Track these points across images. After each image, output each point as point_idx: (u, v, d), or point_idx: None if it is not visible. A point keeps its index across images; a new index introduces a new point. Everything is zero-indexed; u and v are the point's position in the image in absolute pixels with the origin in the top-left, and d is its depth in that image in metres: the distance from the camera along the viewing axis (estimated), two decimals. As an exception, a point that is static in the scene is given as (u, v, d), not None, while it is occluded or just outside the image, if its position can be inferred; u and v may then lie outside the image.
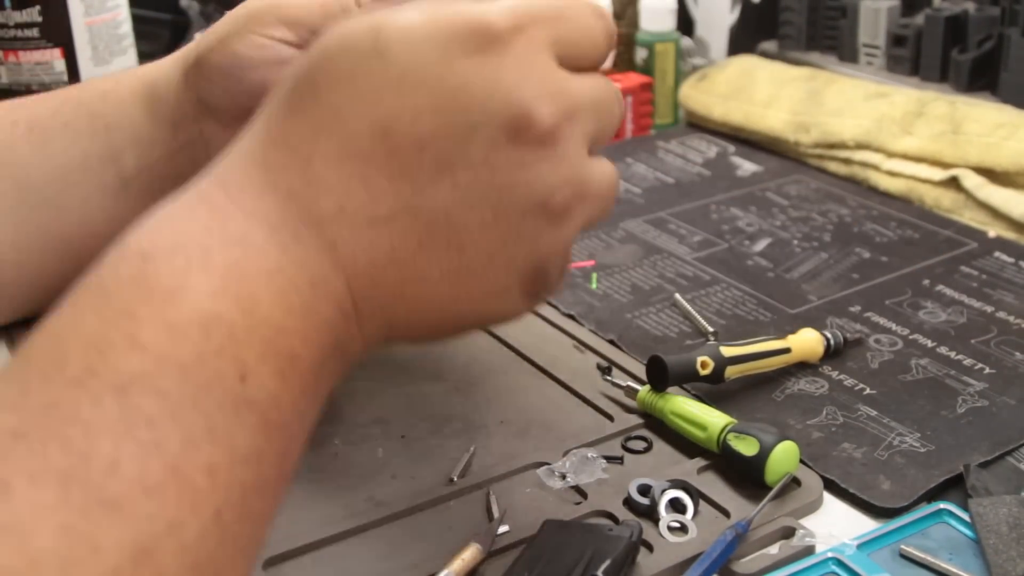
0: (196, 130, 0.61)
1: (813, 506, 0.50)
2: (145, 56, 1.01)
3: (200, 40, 0.61)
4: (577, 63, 0.40)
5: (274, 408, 0.34)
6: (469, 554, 0.45)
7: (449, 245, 0.39)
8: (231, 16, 0.60)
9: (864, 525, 0.49)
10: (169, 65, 0.62)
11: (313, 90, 0.38)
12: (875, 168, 0.87)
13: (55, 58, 0.82)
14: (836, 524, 0.49)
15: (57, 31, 0.82)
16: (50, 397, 0.31)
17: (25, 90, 0.83)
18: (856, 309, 0.68)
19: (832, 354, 0.62)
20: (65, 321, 0.33)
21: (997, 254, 0.75)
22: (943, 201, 0.82)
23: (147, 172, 0.61)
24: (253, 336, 0.34)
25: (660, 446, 0.54)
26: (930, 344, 0.63)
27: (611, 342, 0.64)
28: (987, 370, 0.61)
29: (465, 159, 0.38)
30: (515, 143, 0.38)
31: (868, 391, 0.59)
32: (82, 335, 0.32)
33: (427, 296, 0.40)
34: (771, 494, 0.49)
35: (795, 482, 0.51)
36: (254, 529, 0.34)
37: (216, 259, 0.34)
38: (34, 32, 0.81)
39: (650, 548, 0.47)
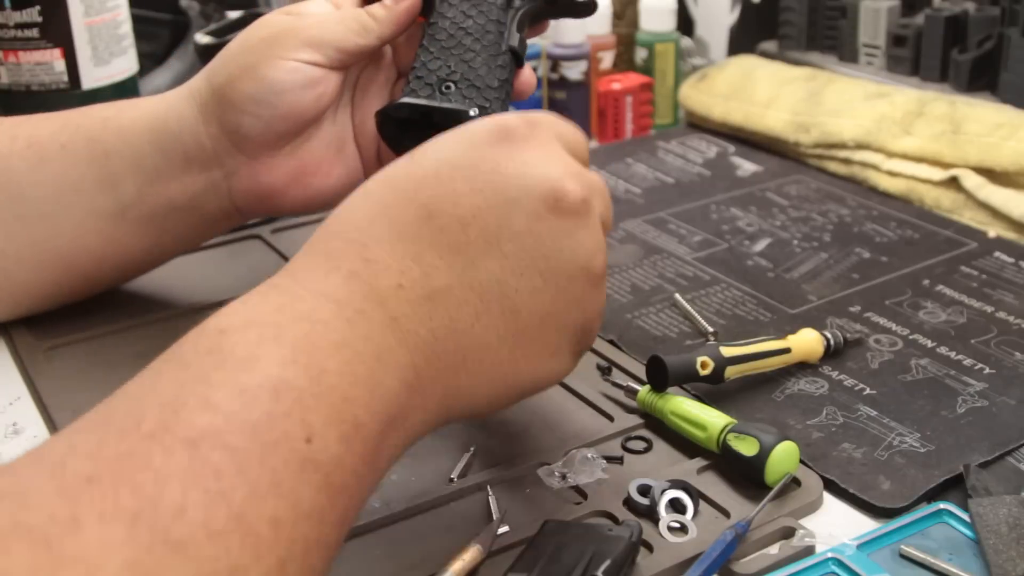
0: (217, 166, 0.61)
1: (813, 506, 0.50)
2: (145, 56, 1.01)
3: (209, 75, 0.60)
4: (577, 156, 0.47)
5: (337, 470, 0.36)
6: (469, 555, 0.45)
7: (504, 311, 0.43)
8: (247, 46, 0.59)
9: (864, 525, 0.49)
10: (178, 101, 0.61)
11: (363, 192, 0.44)
12: (875, 168, 0.87)
13: (55, 58, 0.82)
14: (836, 524, 0.49)
15: (57, 31, 0.82)
16: (124, 448, 0.33)
17: (25, 90, 0.83)
18: (856, 309, 0.68)
19: (832, 354, 0.62)
20: (144, 386, 0.36)
21: (997, 254, 0.75)
22: (943, 201, 0.82)
23: (150, 201, 0.61)
24: (320, 402, 0.36)
25: (660, 446, 0.54)
26: (930, 344, 0.63)
27: (611, 342, 0.64)
28: (987, 370, 0.61)
29: (509, 231, 0.43)
30: (554, 214, 0.44)
31: (868, 391, 0.59)
32: (159, 397, 0.35)
33: (487, 361, 0.44)
34: (771, 494, 0.49)
35: (795, 482, 0.51)
36: None
37: (287, 333, 0.37)
38: (34, 32, 0.81)
39: (650, 548, 0.47)
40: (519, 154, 0.44)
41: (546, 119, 0.47)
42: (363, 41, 0.59)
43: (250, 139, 0.60)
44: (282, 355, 0.37)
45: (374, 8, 0.60)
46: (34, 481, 0.31)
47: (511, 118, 0.45)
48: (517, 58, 0.60)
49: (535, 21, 0.63)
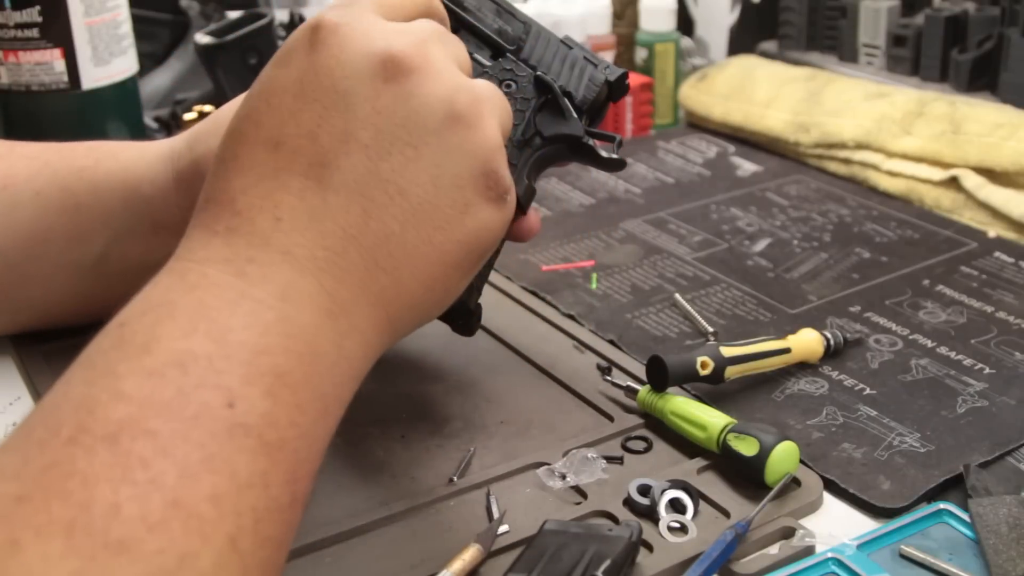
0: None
1: (813, 506, 0.50)
2: (145, 56, 1.01)
3: (192, 142, 0.57)
4: (402, 15, 0.45)
5: (270, 428, 0.35)
6: (470, 554, 0.45)
7: (390, 196, 0.41)
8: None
9: (864, 525, 0.49)
10: (156, 163, 0.59)
11: (215, 159, 0.42)
12: (875, 168, 0.87)
13: (55, 58, 0.82)
14: (836, 524, 0.49)
15: (57, 31, 0.82)
16: (48, 459, 0.32)
17: (25, 90, 0.83)
18: (856, 309, 0.68)
19: (832, 354, 0.62)
20: (58, 394, 0.35)
21: (997, 254, 0.75)
22: (943, 201, 0.82)
23: (120, 259, 0.59)
24: (232, 363, 0.35)
25: (660, 446, 0.54)
26: (930, 344, 0.63)
27: (611, 342, 0.64)
28: (987, 370, 0.60)
29: (357, 120, 0.41)
30: (392, 82, 0.42)
31: (868, 391, 0.59)
32: (71, 401, 0.34)
33: (400, 252, 0.42)
34: (771, 494, 0.49)
35: (795, 482, 0.51)
36: (273, 554, 0.35)
37: (180, 307, 0.36)
38: (34, 32, 0.81)
39: (650, 548, 0.47)
40: (335, 45, 0.42)
41: (346, 1, 0.44)
42: None
43: None
44: (180, 328, 0.36)
45: None
46: None
47: (321, 16, 0.43)
48: (520, 205, 0.52)
49: (549, 164, 0.55)
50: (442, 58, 0.43)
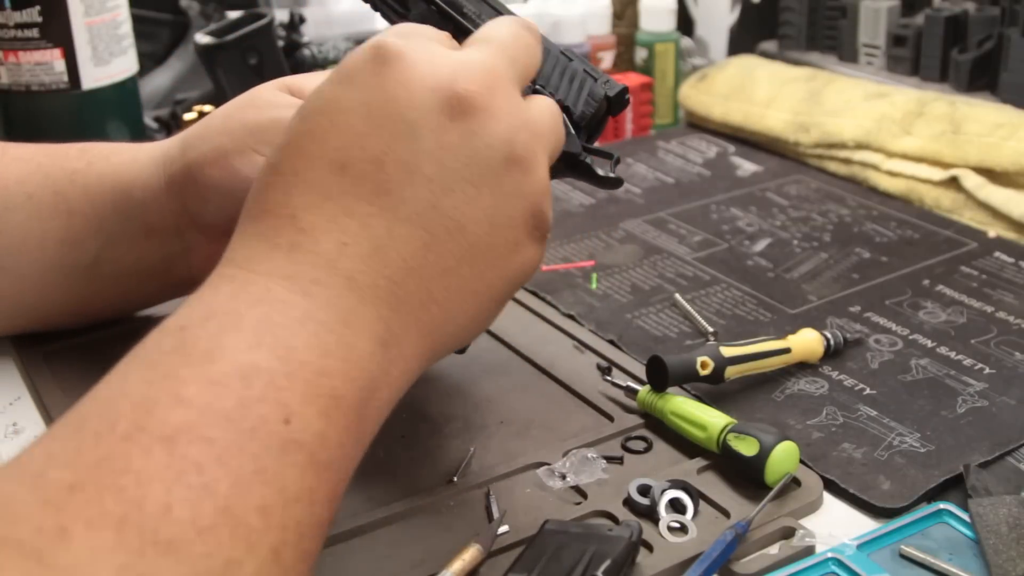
0: (177, 240, 0.58)
1: (813, 506, 0.50)
2: (145, 56, 1.01)
3: (185, 146, 0.57)
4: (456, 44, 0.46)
5: (321, 447, 0.36)
6: (470, 555, 0.45)
7: (449, 232, 0.42)
8: (226, 123, 0.55)
9: (864, 525, 0.49)
10: (148, 166, 0.58)
11: (270, 168, 0.42)
12: (875, 168, 0.87)
13: (55, 58, 0.82)
14: (836, 524, 0.49)
15: (57, 31, 0.82)
16: (102, 452, 0.32)
17: (25, 90, 0.83)
18: (856, 309, 0.68)
19: (832, 354, 0.62)
20: (113, 388, 0.35)
21: (997, 254, 0.75)
22: (943, 201, 0.82)
23: (110, 263, 0.59)
24: (294, 381, 0.36)
25: (660, 446, 0.54)
26: (930, 344, 0.63)
27: (611, 342, 0.64)
28: (987, 370, 0.60)
29: (423, 153, 0.42)
30: (457, 119, 0.42)
31: (868, 391, 0.59)
32: (130, 398, 0.34)
33: (453, 286, 0.43)
34: (771, 494, 0.49)
35: (795, 482, 0.51)
36: (308, 569, 0.36)
37: (245, 318, 0.37)
38: (34, 32, 0.81)
39: (650, 548, 0.47)
40: (402, 72, 0.42)
41: (413, 26, 0.45)
42: None
43: (211, 225, 0.56)
44: (246, 340, 0.36)
45: None
46: (16, 493, 0.31)
47: (383, 39, 0.43)
48: None
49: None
50: (505, 93, 0.44)
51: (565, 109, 0.51)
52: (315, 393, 0.36)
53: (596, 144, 0.53)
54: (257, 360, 0.36)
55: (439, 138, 0.42)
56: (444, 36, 0.46)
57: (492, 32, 0.47)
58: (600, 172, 0.52)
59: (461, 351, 0.55)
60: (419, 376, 0.44)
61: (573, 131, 0.52)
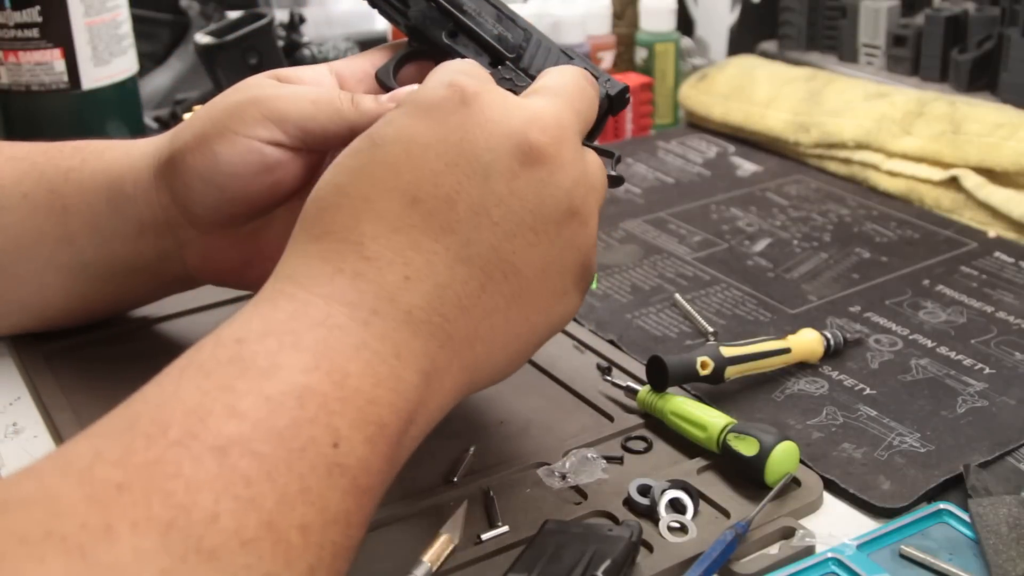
0: (169, 236, 0.57)
1: (813, 506, 0.50)
2: (145, 56, 1.01)
3: (173, 136, 0.56)
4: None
5: (363, 473, 0.37)
6: (440, 543, 0.46)
7: (506, 275, 0.43)
8: (214, 111, 0.54)
9: (864, 525, 0.49)
10: (140, 161, 0.57)
11: (337, 190, 0.42)
12: (875, 168, 0.87)
13: (55, 58, 0.82)
14: (836, 524, 0.49)
15: (57, 31, 0.82)
16: (153, 455, 0.33)
17: (25, 90, 0.83)
18: (856, 309, 0.68)
19: (832, 354, 0.62)
20: (166, 392, 0.35)
21: (997, 254, 0.75)
22: (943, 201, 0.82)
23: (105, 261, 0.59)
24: (346, 406, 0.37)
25: (660, 446, 0.54)
26: (930, 344, 0.63)
27: (611, 342, 0.64)
28: (987, 370, 0.60)
29: (493, 197, 0.43)
30: (528, 167, 0.43)
31: (868, 391, 0.59)
32: (183, 404, 0.35)
33: (499, 327, 0.44)
34: (771, 494, 0.49)
35: (795, 482, 0.51)
36: None
37: (305, 340, 0.37)
38: (34, 32, 0.81)
39: (650, 548, 0.47)
40: (480, 114, 0.43)
41: (481, 68, 0.47)
42: (331, 126, 0.52)
43: (199, 216, 0.56)
44: (304, 362, 0.37)
45: (362, 97, 0.52)
46: (63, 488, 0.31)
47: (460, 78, 0.44)
48: None
49: None
50: (572, 148, 0.45)
51: None
52: (364, 420, 0.37)
53: (596, 143, 0.53)
54: (313, 383, 0.36)
55: (509, 183, 0.43)
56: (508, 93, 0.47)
57: (558, 83, 0.48)
58: None
59: None
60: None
61: None
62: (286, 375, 0.36)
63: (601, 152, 0.52)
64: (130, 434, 0.33)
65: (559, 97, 0.47)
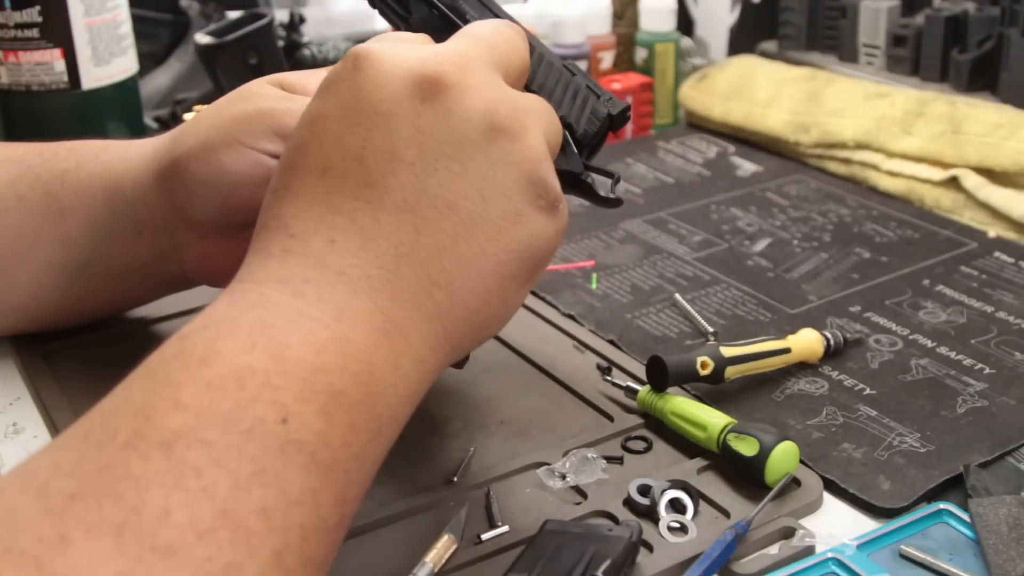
0: (168, 237, 0.57)
1: (813, 506, 0.50)
2: (145, 56, 1.01)
3: (175, 140, 0.56)
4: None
5: (323, 447, 0.36)
6: (442, 544, 0.45)
7: (440, 211, 0.42)
8: (214, 117, 0.55)
9: (864, 525, 0.49)
10: (138, 162, 0.57)
11: (269, 191, 0.43)
12: (875, 168, 0.87)
13: (55, 58, 0.82)
14: (836, 524, 0.49)
15: (57, 31, 0.82)
16: (104, 461, 0.32)
17: (25, 90, 0.83)
18: (856, 309, 0.68)
19: (832, 354, 0.62)
20: (117, 398, 0.36)
21: (997, 254, 0.75)
22: (943, 201, 0.82)
23: (103, 262, 0.59)
24: (288, 379, 0.36)
25: (660, 446, 0.54)
26: (930, 344, 0.63)
27: (611, 342, 0.64)
28: (987, 370, 0.61)
29: (401, 140, 0.42)
30: (430, 100, 0.42)
31: (868, 391, 0.59)
32: (131, 406, 0.35)
33: (454, 267, 0.42)
34: (771, 494, 0.49)
35: (795, 482, 0.51)
36: (314, 574, 0.35)
37: (241, 323, 0.37)
38: (34, 32, 0.81)
39: (650, 548, 0.47)
40: (371, 69, 0.43)
41: (394, 34, 0.47)
42: None
43: (199, 221, 0.56)
44: (240, 344, 0.36)
45: None
46: (20, 503, 0.31)
47: (356, 47, 0.44)
48: None
49: None
50: (480, 71, 0.44)
51: (567, 126, 0.51)
52: (312, 391, 0.36)
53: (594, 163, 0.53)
54: (251, 361, 0.36)
55: (414, 122, 0.42)
56: (424, 38, 0.47)
57: (470, 27, 0.47)
58: (601, 193, 0.52)
59: (459, 365, 0.54)
60: (444, 368, 0.43)
61: (575, 149, 0.51)
62: (224, 359, 0.36)
63: (600, 172, 0.52)
64: (84, 444, 0.33)
65: (464, 37, 0.46)
